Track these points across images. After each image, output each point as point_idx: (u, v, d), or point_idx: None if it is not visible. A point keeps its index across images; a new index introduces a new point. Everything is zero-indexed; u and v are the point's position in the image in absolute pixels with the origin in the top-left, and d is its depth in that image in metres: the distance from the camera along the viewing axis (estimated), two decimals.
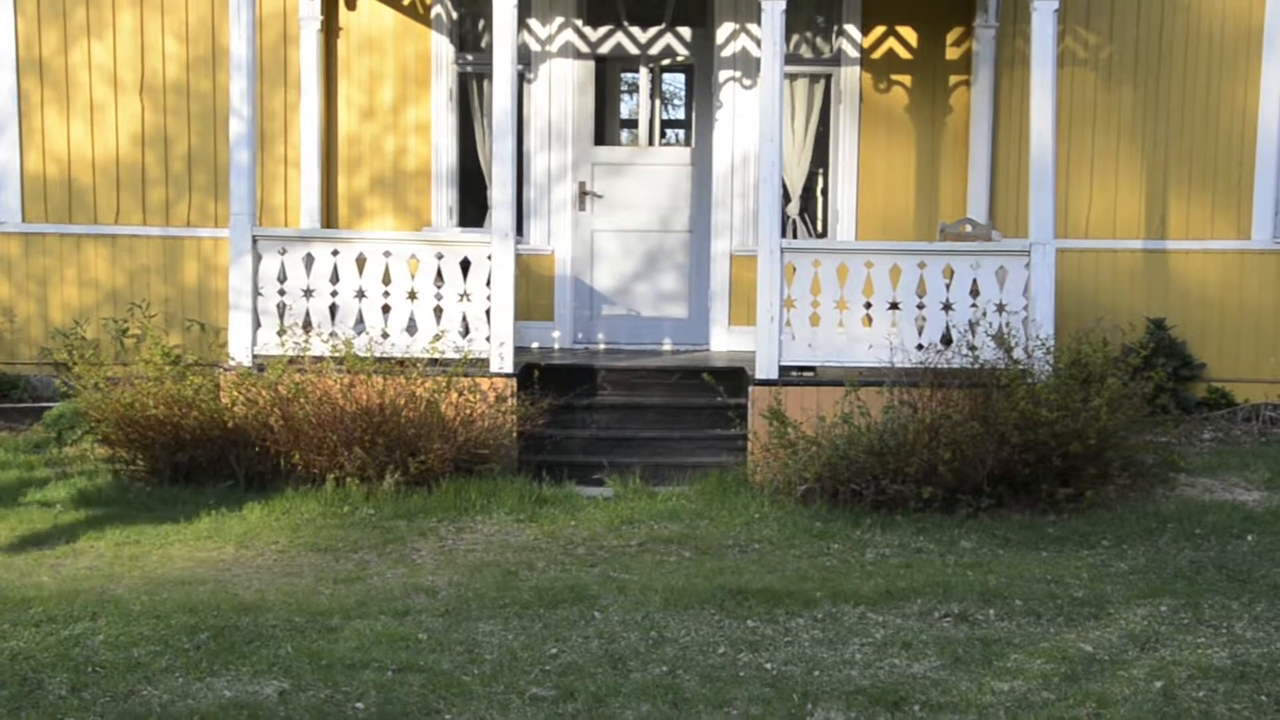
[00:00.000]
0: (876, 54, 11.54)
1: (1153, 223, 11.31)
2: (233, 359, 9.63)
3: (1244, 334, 11.26)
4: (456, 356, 9.45)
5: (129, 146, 11.57)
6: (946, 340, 9.33)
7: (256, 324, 9.69)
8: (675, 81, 16.08)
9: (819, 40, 11.72)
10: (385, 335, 9.64)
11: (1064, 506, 8.42)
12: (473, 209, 11.85)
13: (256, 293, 9.68)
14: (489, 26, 10.96)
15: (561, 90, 11.64)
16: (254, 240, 9.66)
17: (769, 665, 5.65)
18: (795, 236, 11.68)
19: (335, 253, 9.74)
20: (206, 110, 11.53)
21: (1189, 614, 6.43)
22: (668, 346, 11.62)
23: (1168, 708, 5.13)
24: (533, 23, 11.53)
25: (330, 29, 11.61)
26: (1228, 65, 11.21)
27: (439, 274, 9.71)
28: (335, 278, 9.73)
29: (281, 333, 9.63)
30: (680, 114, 16.67)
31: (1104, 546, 7.81)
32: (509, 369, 9.58)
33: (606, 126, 12.50)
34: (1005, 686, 5.39)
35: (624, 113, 13.48)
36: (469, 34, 11.82)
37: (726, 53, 11.56)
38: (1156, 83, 11.30)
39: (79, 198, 11.60)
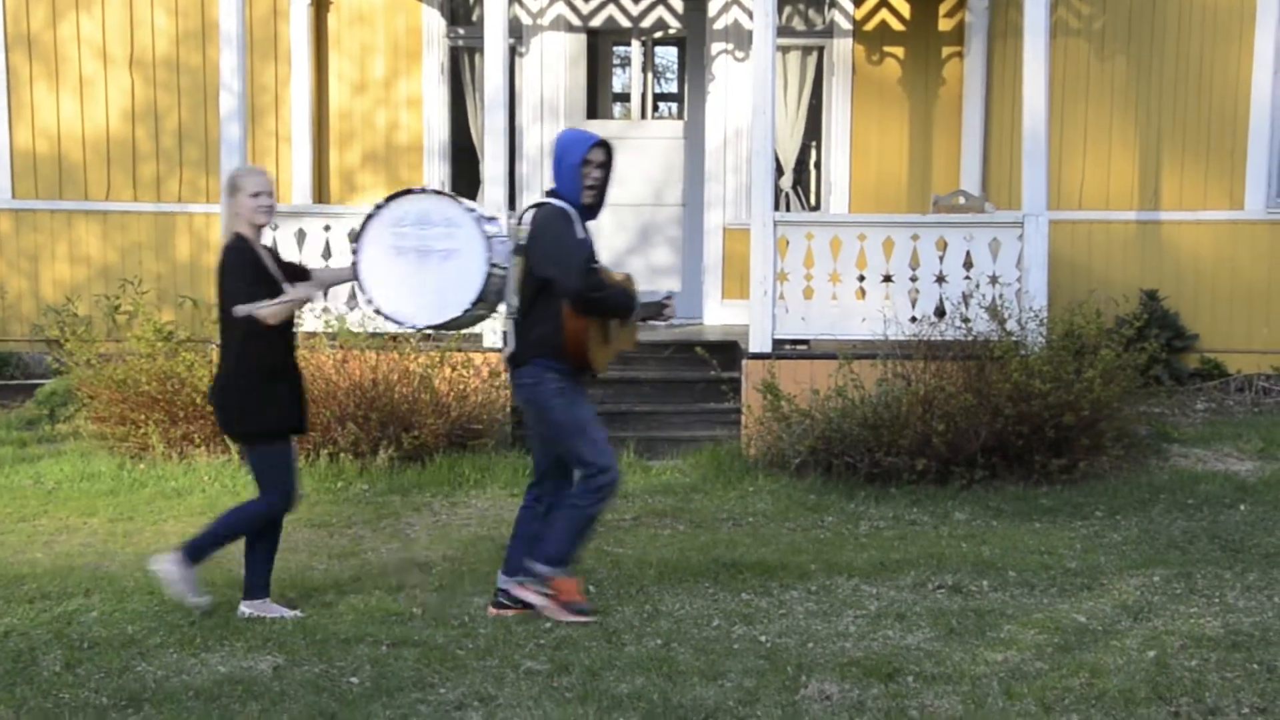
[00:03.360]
0: (869, 25, 11.50)
1: (1146, 193, 11.29)
2: None
3: (1237, 305, 11.25)
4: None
5: (119, 122, 11.52)
6: (940, 312, 9.33)
7: None
8: (668, 55, 16.03)
9: (811, 12, 11.67)
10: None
11: (1057, 477, 8.43)
12: (465, 184, 11.82)
13: None
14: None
15: (553, 64, 11.60)
16: None
17: (763, 638, 5.66)
18: (788, 209, 11.66)
19: (327, 228, 9.72)
20: (197, 85, 11.47)
21: (1182, 584, 6.44)
22: (661, 321, 11.57)
23: (1160, 677, 5.14)
24: None
25: (321, 2, 11.56)
26: (1221, 35, 11.17)
27: None
28: (328, 253, 9.70)
29: None
30: (673, 87, 16.62)
31: (1097, 517, 7.82)
32: (501, 344, 9.55)
33: (599, 100, 12.47)
34: (999, 657, 5.40)
35: (616, 86, 13.44)
36: (460, 7, 11.77)
37: (719, 25, 11.52)
38: (1150, 53, 11.26)
39: (69, 174, 11.55)
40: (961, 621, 5.86)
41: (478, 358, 9.36)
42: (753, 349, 9.43)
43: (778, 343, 9.47)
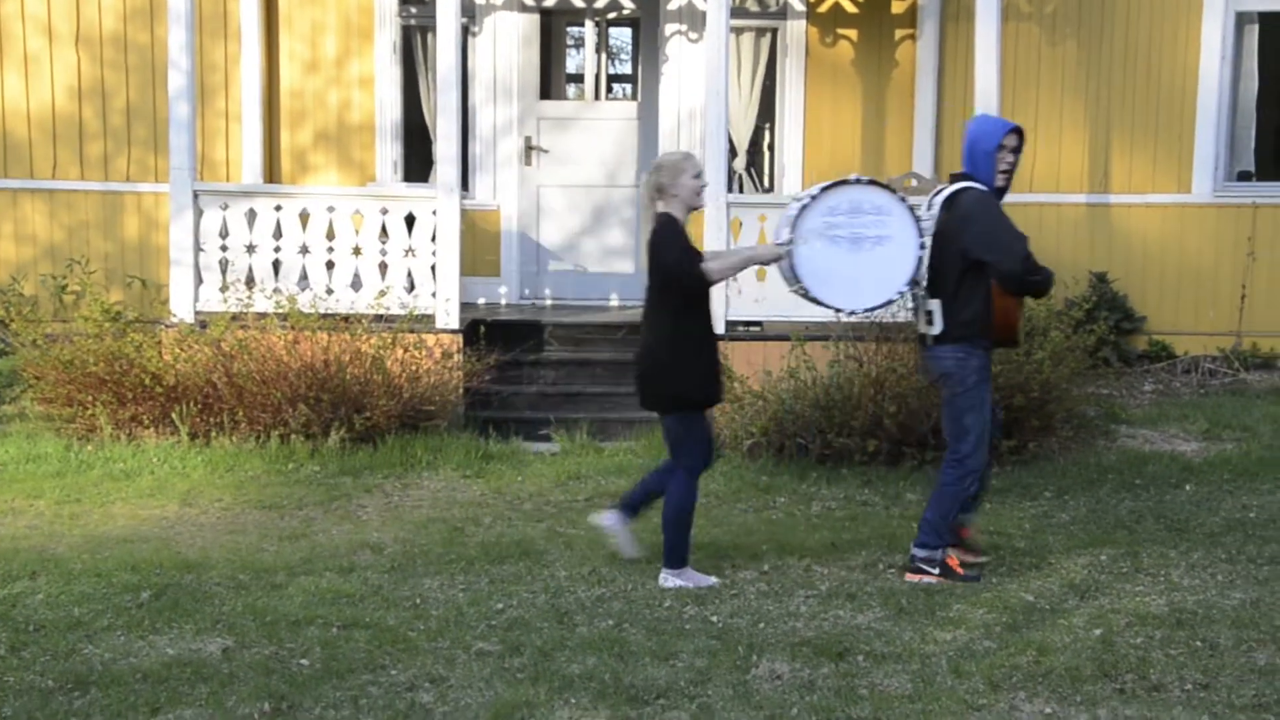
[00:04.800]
0: (823, 7, 11.50)
1: (1096, 176, 11.37)
2: (175, 316, 9.52)
3: (1184, 287, 11.36)
4: (402, 313, 9.40)
5: (65, 99, 11.36)
6: None
7: (199, 280, 9.57)
8: (622, 35, 15.99)
9: None
10: (330, 291, 9.56)
11: (1007, 458, 8.49)
12: (418, 164, 11.75)
13: (198, 249, 9.56)
14: None
15: (506, 44, 11.54)
16: (195, 195, 9.53)
17: (715, 618, 5.68)
18: (742, 191, 11.66)
19: (278, 208, 9.63)
20: (145, 62, 11.33)
21: (1128, 563, 6.52)
22: (615, 302, 11.60)
23: (1106, 655, 5.20)
24: None
25: None
26: (1169, 20, 11.25)
27: (384, 229, 9.63)
28: (278, 233, 9.62)
29: (224, 289, 9.52)
30: (627, 68, 16.57)
31: (1046, 497, 7.89)
32: (455, 325, 9.53)
33: (552, 81, 12.42)
34: (948, 636, 5.45)
35: (570, 67, 13.38)
36: None
37: (672, 6, 11.49)
38: (1100, 37, 11.34)
39: (14, 151, 11.38)
40: (911, 601, 5.90)
41: (430, 339, 9.33)
42: None
43: (731, 324, 9.49)
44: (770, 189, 11.85)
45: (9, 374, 9.90)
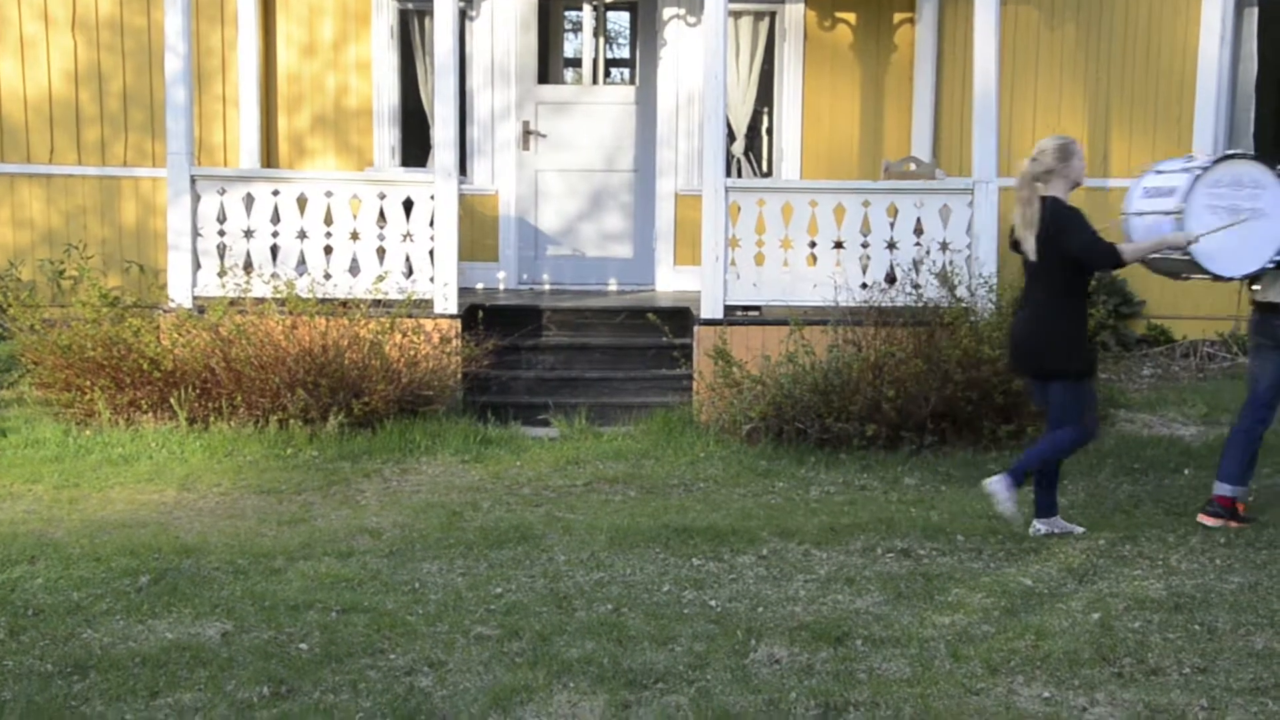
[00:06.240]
0: None
1: (1095, 160, 11.34)
2: (173, 301, 9.51)
3: None
4: (400, 297, 9.38)
5: (62, 84, 11.33)
6: (890, 279, 9.37)
7: (196, 265, 9.56)
8: (620, 19, 15.94)
9: None
10: (328, 276, 9.54)
11: (1006, 443, 8.49)
12: (416, 149, 11.73)
13: (196, 233, 9.55)
14: None
15: (504, 28, 11.51)
16: (192, 180, 9.51)
17: (713, 603, 5.69)
18: (740, 175, 11.65)
19: (276, 193, 9.61)
20: (142, 47, 11.30)
21: (1127, 547, 6.52)
22: (613, 286, 11.59)
23: (1104, 638, 5.21)
24: None
25: None
26: (1169, 2, 11.22)
27: (381, 214, 9.61)
28: (276, 218, 9.60)
29: (222, 274, 9.51)
30: (625, 52, 16.53)
31: None
32: (453, 310, 9.52)
33: (550, 65, 12.39)
34: (946, 620, 5.45)
35: (568, 51, 13.34)
36: None
37: None
38: (1099, 20, 11.31)
39: (11, 136, 11.36)
40: (910, 585, 5.90)
41: (428, 324, 9.32)
42: (704, 315, 9.43)
43: (729, 309, 9.47)
44: (768, 173, 11.83)
45: (7, 359, 9.89)
